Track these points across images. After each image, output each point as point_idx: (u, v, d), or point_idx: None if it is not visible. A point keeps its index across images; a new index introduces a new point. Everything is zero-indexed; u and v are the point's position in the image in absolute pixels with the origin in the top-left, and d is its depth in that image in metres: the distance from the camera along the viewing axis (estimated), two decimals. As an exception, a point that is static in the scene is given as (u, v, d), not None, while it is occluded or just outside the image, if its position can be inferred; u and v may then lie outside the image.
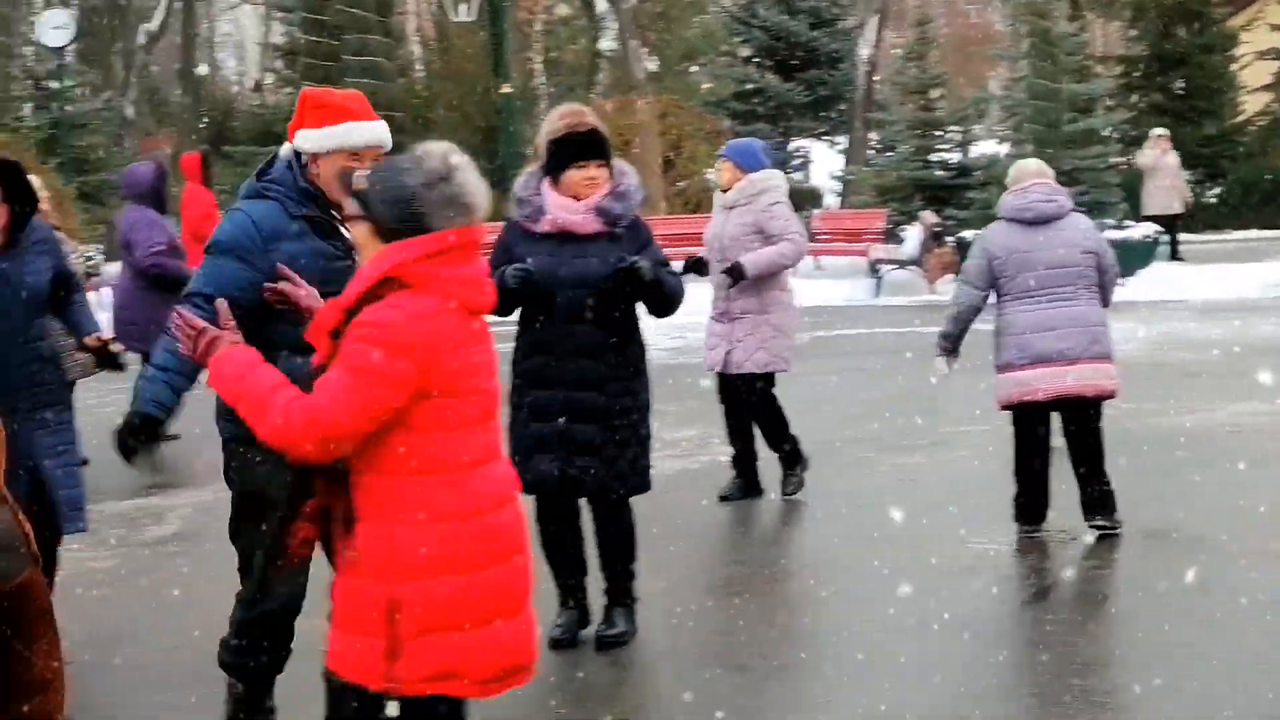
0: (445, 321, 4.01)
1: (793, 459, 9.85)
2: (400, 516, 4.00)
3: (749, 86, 33.40)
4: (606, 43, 33.40)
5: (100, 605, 7.82)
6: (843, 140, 36.53)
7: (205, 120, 43.55)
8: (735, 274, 9.40)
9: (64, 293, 6.74)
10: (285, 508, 4.34)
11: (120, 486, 10.35)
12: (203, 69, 52.45)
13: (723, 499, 9.79)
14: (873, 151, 35.07)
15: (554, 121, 6.85)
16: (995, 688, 6.34)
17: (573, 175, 6.69)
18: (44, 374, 6.48)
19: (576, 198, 6.70)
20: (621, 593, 6.97)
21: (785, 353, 9.64)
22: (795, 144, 34.33)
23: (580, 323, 6.64)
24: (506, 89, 25.74)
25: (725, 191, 9.77)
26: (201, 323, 4.11)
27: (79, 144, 30.28)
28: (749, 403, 9.73)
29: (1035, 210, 8.59)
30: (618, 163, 6.86)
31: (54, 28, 28.33)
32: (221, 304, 4.24)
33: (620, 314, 6.72)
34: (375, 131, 5.47)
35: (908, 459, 10.94)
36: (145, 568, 8.67)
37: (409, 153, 4.12)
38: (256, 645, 5.60)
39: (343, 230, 5.28)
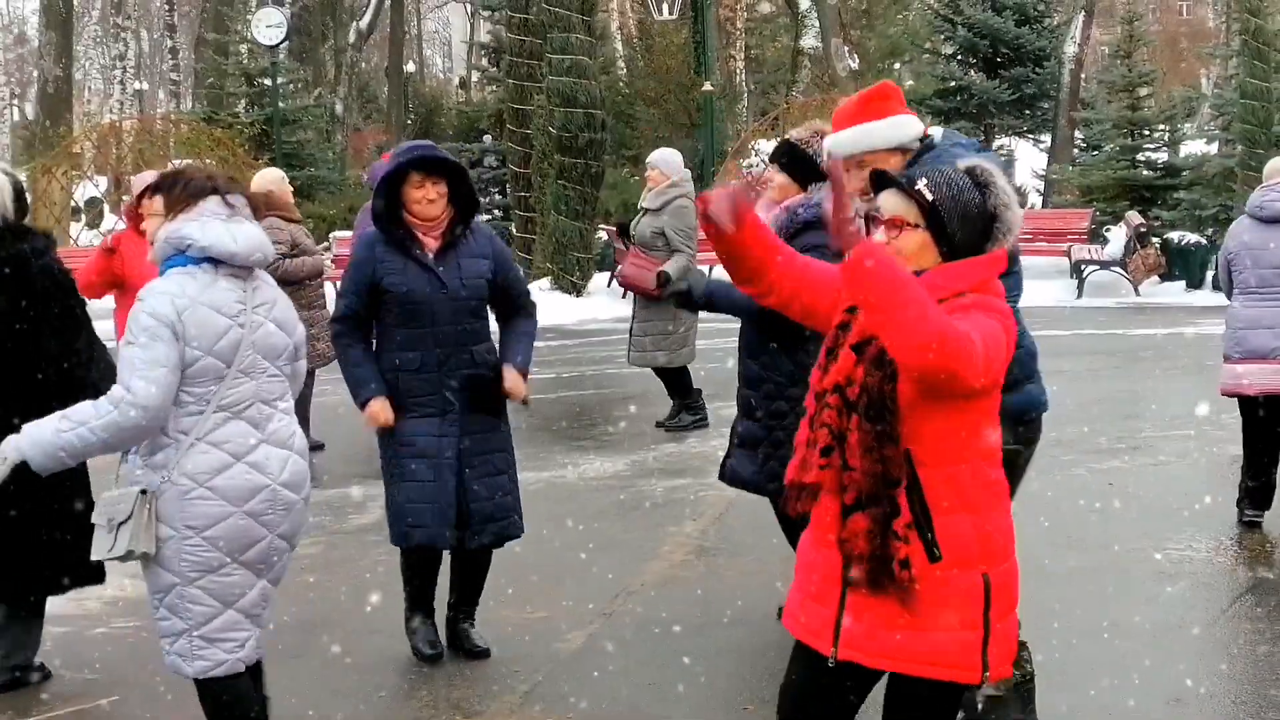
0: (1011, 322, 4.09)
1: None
2: (979, 504, 4.05)
3: (952, 84, 33.08)
4: (808, 40, 33.30)
5: (306, 590, 8.05)
6: (1047, 139, 36.01)
7: (412, 117, 44.34)
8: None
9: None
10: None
11: (329, 474, 10.64)
12: (410, 66, 53.38)
13: None
14: (1078, 150, 34.53)
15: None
16: (1193, 694, 6.26)
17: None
18: None
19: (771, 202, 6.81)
20: None
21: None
22: (999, 142, 33.95)
23: (749, 322, 6.79)
24: (708, 86, 25.83)
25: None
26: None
27: (290, 140, 31.02)
28: None
29: (1270, 209, 8.69)
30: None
31: (268, 26, 29.02)
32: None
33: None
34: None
35: (1108, 463, 10.80)
36: (348, 555, 8.88)
37: (969, 169, 4.11)
38: None
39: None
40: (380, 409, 6.61)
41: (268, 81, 30.95)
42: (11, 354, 6.24)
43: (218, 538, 4.95)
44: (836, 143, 5.28)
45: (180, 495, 4.92)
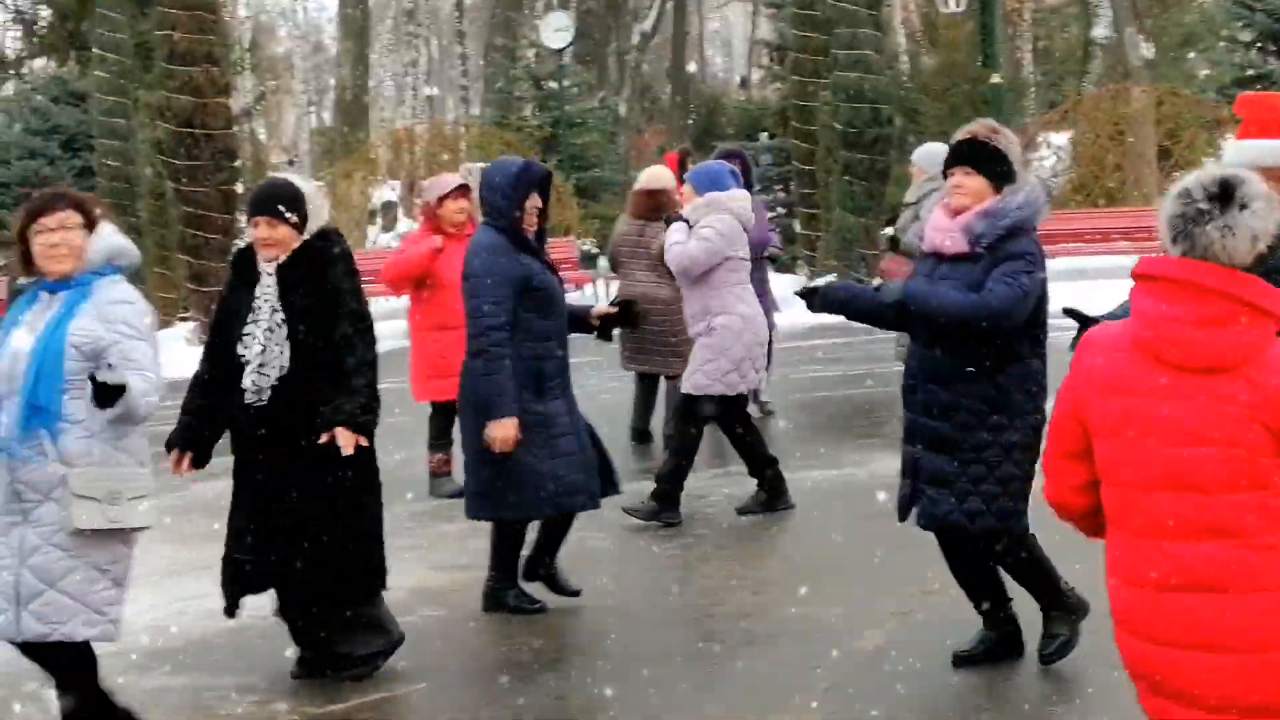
0: (1112, 360, 3.78)
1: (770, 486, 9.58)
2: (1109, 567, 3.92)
3: (1250, 73, 31.98)
4: (1100, 30, 32.59)
5: (595, 586, 8.13)
6: (1354, 127, 34.62)
7: (693, 117, 44.61)
8: None
9: None
10: None
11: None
12: (691, 66, 53.70)
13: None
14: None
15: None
16: None
17: (945, 184, 6.38)
18: None
19: (956, 212, 6.29)
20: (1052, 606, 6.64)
21: (724, 376, 9.40)
22: (1302, 131, 32.74)
23: (934, 346, 6.31)
24: (996, 79, 25.38)
25: None
26: None
27: (576, 142, 31.45)
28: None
29: None
30: (1022, 177, 6.33)
31: (555, 30, 29.48)
32: None
33: (980, 341, 6.20)
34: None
35: None
36: (635, 551, 8.96)
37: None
38: None
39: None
40: (514, 432, 7.25)
41: (554, 85, 31.42)
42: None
43: None
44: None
45: None
